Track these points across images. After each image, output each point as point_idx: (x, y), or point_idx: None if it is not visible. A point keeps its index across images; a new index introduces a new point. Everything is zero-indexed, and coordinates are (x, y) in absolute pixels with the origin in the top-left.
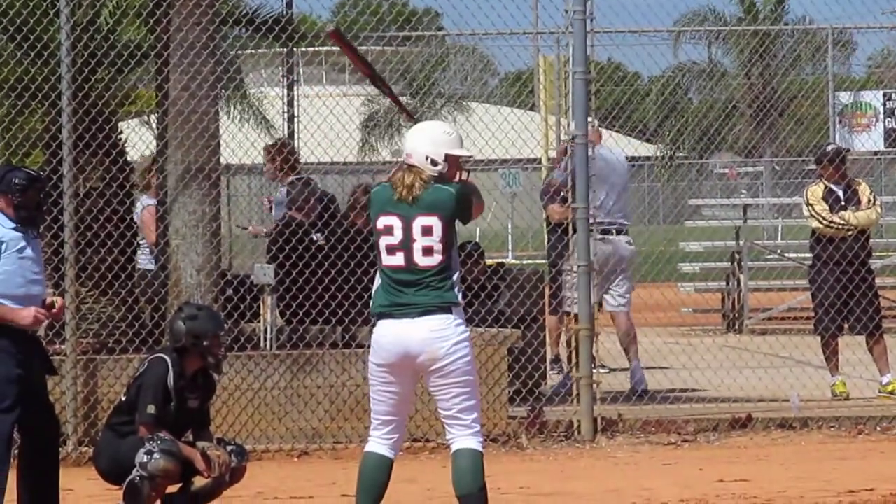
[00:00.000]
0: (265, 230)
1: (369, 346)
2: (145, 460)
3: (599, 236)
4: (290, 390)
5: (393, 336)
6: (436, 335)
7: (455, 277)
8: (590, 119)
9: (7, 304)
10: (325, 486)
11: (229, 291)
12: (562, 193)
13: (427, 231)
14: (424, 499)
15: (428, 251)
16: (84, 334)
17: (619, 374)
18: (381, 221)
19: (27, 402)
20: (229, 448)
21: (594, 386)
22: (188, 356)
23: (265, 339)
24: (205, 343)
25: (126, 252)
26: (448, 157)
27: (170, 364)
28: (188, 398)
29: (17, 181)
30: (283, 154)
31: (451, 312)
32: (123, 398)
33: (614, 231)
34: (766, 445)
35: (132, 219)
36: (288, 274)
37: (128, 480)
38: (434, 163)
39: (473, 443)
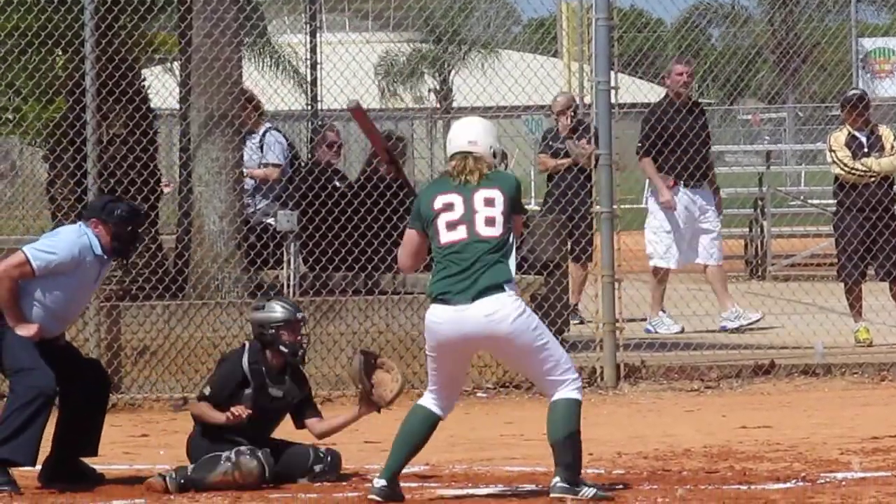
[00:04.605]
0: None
1: (392, 293)
2: (244, 451)
3: None
4: (313, 337)
5: (450, 325)
6: (493, 318)
7: (511, 261)
8: None
9: (34, 313)
10: (349, 432)
11: (252, 238)
12: (554, 146)
13: (489, 202)
14: (448, 445)
15: (490, 222)
16: (107, 281)
17: (642, 322)
18: (440, 201)
19: (58, 366)
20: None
21: (617, 332)
22: (270, 348)
23: (288, 287)
24: (270, 331)
25: (149, 199)
26: (496, 151)
27: (246, 348)
28: (269, 385)
29: (119, 212)
30: (253, 102)
31: (504, 290)
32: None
33: None
34: (788, 392)
35: (155, 166)
36: (311, 220)
37: (214, 453)
38: (494, 155)
39: (568, 392)
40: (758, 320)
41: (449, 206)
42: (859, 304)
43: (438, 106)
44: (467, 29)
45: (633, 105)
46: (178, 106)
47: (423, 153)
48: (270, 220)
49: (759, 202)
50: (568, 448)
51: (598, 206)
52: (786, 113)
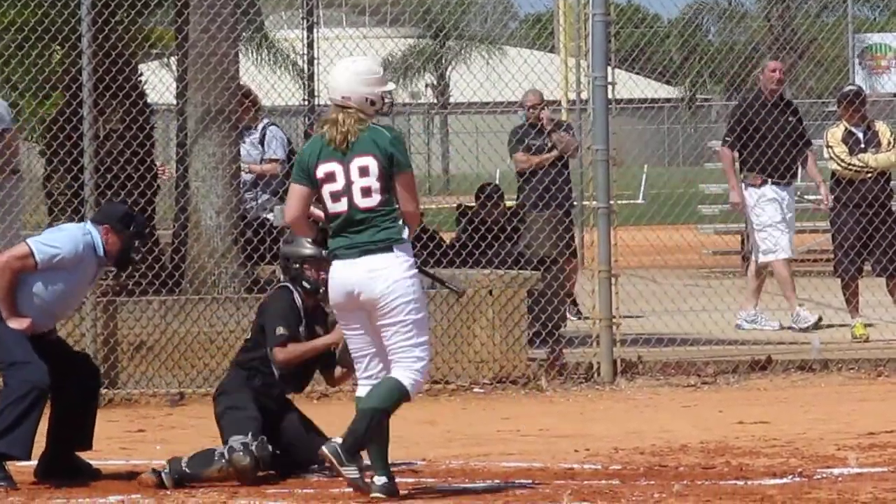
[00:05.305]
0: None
1: None
2: (237, 448)
3: None
4: None
5: (339, 278)
6: (373, 275)
7: (399, 217)
8: None
9: (30, 306)
10: (345, 428)
11: (248, 233)
12: (527, 141)
13: (364, 171)
14: (444, 440)
15: (366, 192)
16: (103, 276)
17: (638, 318)
18: (322, 170)
19: (50, 361)
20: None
21: (614, 328)
22: (293, 282)
23: None
24: (296, 266)
25: (146, 194)
26: (383, 95)
27: (293, 288)
28: (316, 325)
29: (135, 228)
30: (250, 97)
31: (392, 251)
32: (248, 338)
33: None
34: (785, 387)
35: (152, 161)
36: None
37: (208, 448)
38: (373, 103)
39: (404, 377)
40: (773, 330)
41: (331, 177)
42: (856, 299)
43: (435, 101)
44: (464, 24)
45: (630, 101)
46: (174, 101)
47: (419, 149)
48: (268, 216)
49: None
50: (364, 420)
51: (594, 202)
52: None
